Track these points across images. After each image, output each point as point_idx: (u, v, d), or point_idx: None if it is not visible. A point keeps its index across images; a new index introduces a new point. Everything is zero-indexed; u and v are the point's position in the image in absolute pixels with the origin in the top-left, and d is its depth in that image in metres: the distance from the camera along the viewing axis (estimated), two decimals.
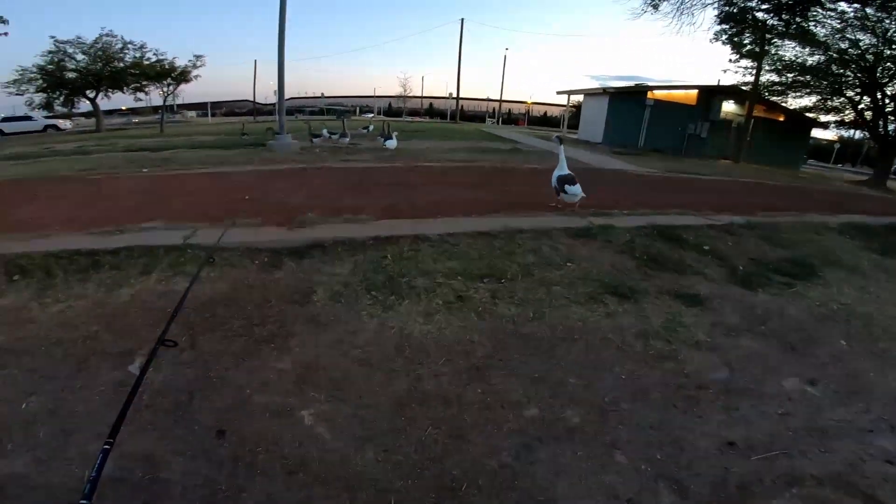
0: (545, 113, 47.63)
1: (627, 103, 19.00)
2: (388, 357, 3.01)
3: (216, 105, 46.68)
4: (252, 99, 45.81)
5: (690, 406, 2.51)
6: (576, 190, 5.31)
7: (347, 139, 13.12)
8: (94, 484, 1.15)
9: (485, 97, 49.37)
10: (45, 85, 24.21)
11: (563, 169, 5.45)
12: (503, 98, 44.23)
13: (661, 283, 4.12)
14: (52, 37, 23.95)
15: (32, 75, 23.91)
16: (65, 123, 28.43)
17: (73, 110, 28.31)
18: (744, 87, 18.69)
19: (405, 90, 48.03)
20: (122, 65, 24.76)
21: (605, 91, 19.74)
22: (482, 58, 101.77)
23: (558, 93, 25.29)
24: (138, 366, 2.91)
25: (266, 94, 47.51)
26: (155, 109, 31.55)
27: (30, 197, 6.18)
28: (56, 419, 2.42)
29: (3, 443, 2.36)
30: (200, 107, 46.58)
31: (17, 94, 24.25)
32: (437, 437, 2.27)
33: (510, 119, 44.43)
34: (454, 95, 39.91)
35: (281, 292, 3.70)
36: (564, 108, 46.09)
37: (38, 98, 24.84)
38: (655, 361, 2.89)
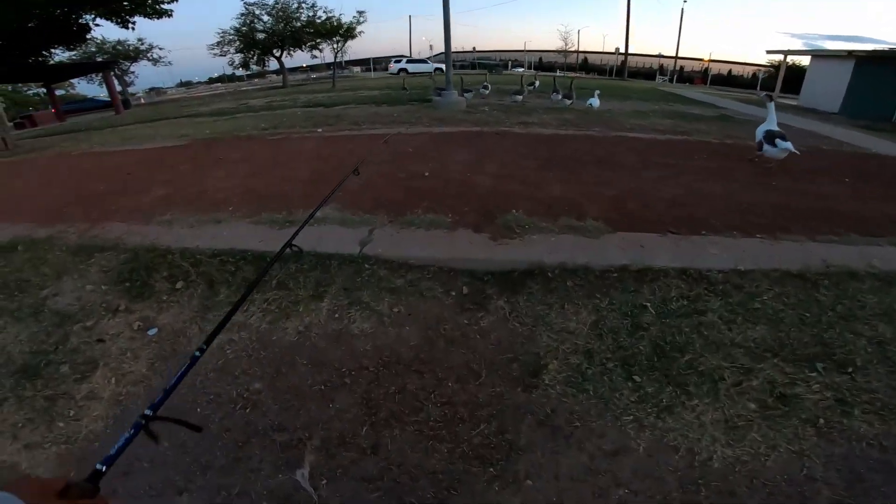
0: (729, 72, 38.72)
1: (883, 70, 13.82)
2: None
3: (377, 61, 47.96)
4: (408, 54, 45.85)
5: None
6: (788, 145, 4.81)
7: (521, 97, 11.36)
8: (165, 398, 0.80)
9: (655, 53, 41.97)
10: (241, 46, 26.61)
11: (772, 124, 5.04)
12: (677, 55, 36.86)
13: None
14: None
15: (231, 37, 26.41)
16: (444, 68, 32.29)
17: (265, 68, 31.10)
18: None
19: (566, 44, 43.28)
20: (298, 24, 25.91)
21: (850, 54, 14.51)
22: (650, 10, 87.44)
23: (769, 52, 19.89)
24: (307, 473, 1.84)
25: (419, 49, 47.17)
26: (328, 66, 33.19)
27: (215, 161, 5.82)
28: None
29: None
30: (363, 63, 48.42)
31: (220, 56, 27.16)
32: None
33: (682, 77, 37.10)
34: (621, 51, 34.44)
35: (492, 358, 2.34)
36: (759, 67, 37.20)
37: (238, 58, 27.55)
38: None
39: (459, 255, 2.94)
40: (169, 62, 32.64)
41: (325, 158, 5.59)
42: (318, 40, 27.17)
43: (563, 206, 3.67)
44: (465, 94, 11.44)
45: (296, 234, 1.65)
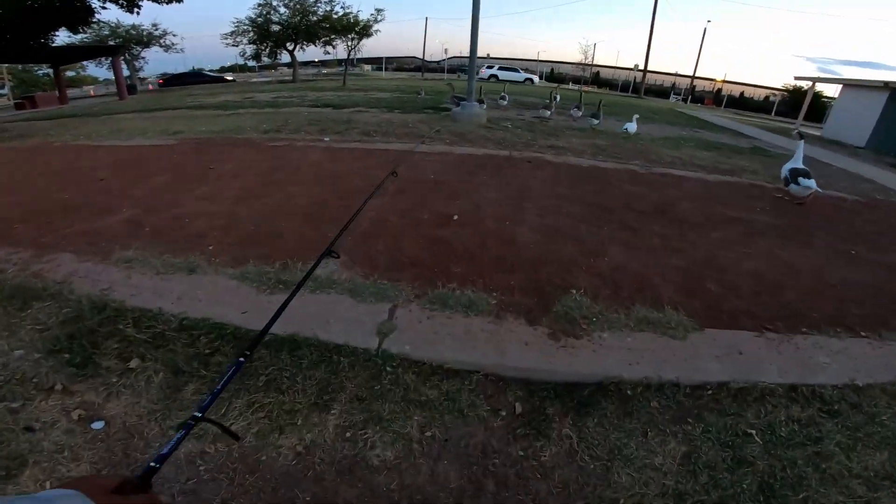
0: (741, 94, 38.00)
1: None
2: None
3: (389, 61, 47.11)
4: (421, 56, 44.95)
5: None
6: (811, 183, 4.81)
7: (550, 112, 10.61)
8: (213, 400, 0.83)
9: (671, 71, 41.37)
10: (255, 37, 25.69)
11: (797, 162, 5.06)
12: (694, 74, 36.24)
13: None
14: None
15: (245, 28, 25.49)
16: (535, 78, 34.07)
17: (276, 61, 30.13)
18: None
19: (585, 58, 42.54)
20: (315, 18, 25.04)
21: (886, 85, 13.55)
22: (665, 28, 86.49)
23: (797, 78, 19.25)
24: None
25: (432, 51, 46.29)
26: (340, 62, 32.42)
27: (203, 172, 4.99)
28: None
29: None
30: (375, 61, 47.54)
31: (233, 46, 26.25)
32: None
33: (694, 97, 36.37)
34: (640, 67, 33.65)
35: None
36: (772, 91, 36.57)
37: (250, 49, 26.60)
38: None
39: (512, 360, 2.13)
40: (181, 49, 31.60)
41: (330, 180, 4.76)
42: (333, 36, 26.27)
43: (631, 283, 2.86)
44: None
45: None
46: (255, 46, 26.32)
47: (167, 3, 9.54)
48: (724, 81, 40.88)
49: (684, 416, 1.98)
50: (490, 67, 34.14)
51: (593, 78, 45.15)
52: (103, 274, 2.79)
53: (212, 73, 30.20)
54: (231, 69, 48.00)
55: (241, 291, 2.55)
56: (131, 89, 22.97)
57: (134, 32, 27.26)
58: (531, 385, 2.07)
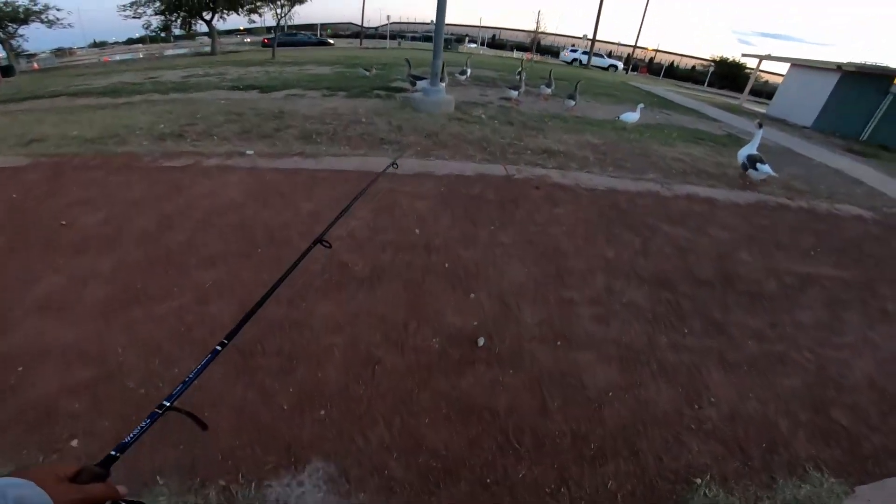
0: (671, 63, 38.23)
1: (861, 86, 12.73)
2: None
3: (323, 27, 42.32)
4: (359, 23, 40.60)
5: None
6: (767, 169, 4.91)
7: (517, 93, 9.18)
8: (184, 389, 0.73)
9: (614, 40, 40.61)
10: (162, 7, 21.21)
11: (753, 148, 5.20)
12: (636, 44, 35.60)
13: None
14: None
15: None
16: (619, 64, 31.24)
17: (191, 31, 25.37)
18: None
19: (537, 27, 40.26)
20: None
21: (839, 67, 13.12)
22: None
23: (744, 55, 19.26)
24: None
25: (370, 17, 42.07)
26: (269, 30, 28.18)
27: (51, 233, 3.01)
28: None
29: None
30: (309, 28, 42.50)
31: (134, 18, 21.63)
32: None
33: (633, 66, 36.01)
34: (588, 37, 32.34)
35: None
36: (699, 61, 37.05)
37: (156, 21, 22.08)
38: None
39: None
40: (69, 24, 25.63)
41: (262, 247, 3.01)
42: (259, 3, 22.37)
43: (758, 440, 1.78)
44: (418, 82, 8.94)
45: None
46: (162, 17, 21.82)
47: None
48: (656, 51, 41.06)
49: None
50: (574, 51, 32.08)
51: (536, 46, 43.46)
52: None
53: (310, 36, 30.12)
54: (140, 41, 40.79)
55: None
56: (7, 71, 18.37)
57: (8, 9, 21.60)
58: None
